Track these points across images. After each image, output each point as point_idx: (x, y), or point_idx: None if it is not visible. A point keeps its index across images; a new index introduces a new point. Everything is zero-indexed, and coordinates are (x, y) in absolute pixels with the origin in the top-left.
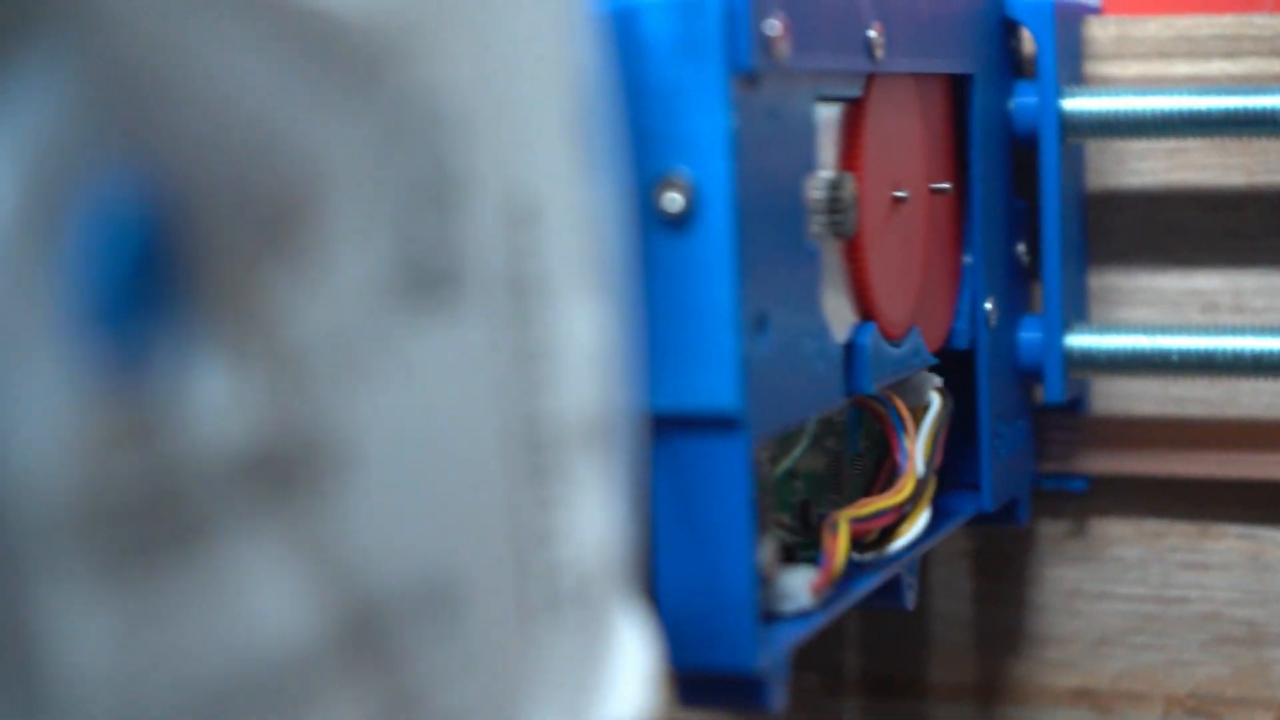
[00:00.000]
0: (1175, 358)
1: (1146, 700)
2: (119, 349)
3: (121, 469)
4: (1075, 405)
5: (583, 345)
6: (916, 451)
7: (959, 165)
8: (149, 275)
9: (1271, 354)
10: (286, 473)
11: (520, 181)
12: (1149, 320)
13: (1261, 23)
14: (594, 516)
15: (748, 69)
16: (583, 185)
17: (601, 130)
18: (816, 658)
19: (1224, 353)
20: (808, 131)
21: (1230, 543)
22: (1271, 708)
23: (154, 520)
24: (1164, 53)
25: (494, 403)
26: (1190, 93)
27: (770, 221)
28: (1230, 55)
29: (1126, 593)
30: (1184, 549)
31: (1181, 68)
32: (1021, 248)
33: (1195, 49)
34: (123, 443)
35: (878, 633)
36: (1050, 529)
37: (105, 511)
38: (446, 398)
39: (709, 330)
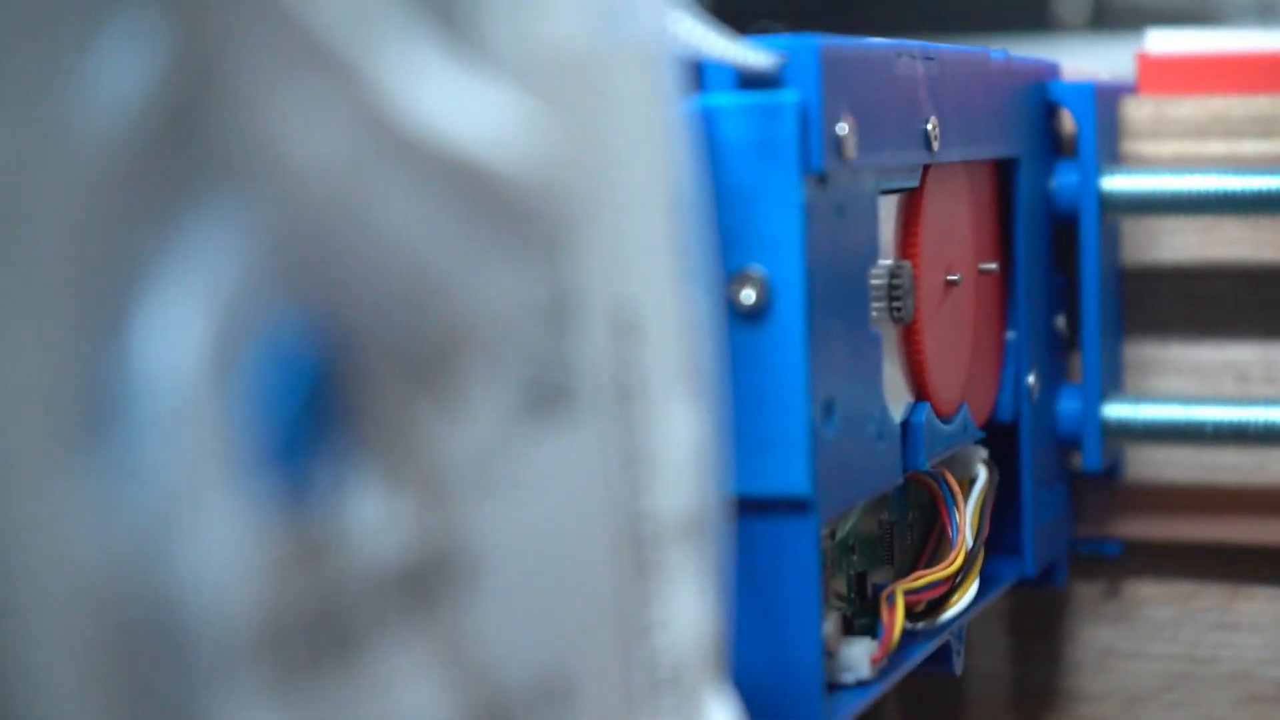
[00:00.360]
0: (1209, 428)
1: None
2: (290, 480)
3: (293, 590)
4: (1111, 471)
5: (680, 446)
6: (966, 524)
7: (1004, 244)
8: (316, 412)
9: None
10: (429, 583)
11: (625, 293)
12: (1184, 390)
13: None
14: (688, 605)
15: (819, 170)
16: (679, 292)
17: (694, 235)
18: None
19: (1256, 424)
20: (871, 223)
21: (1260, 604)
22: None
23: (320, 635)
24: (1200, 132)
25: (603, 505)
26: (1224, 172)
27: (837, 311)
28: (1265, 135)
29: (1159, 652)
30: (1215, 610)
31: (1216, 147)
32: (1061, 321)
33: (1230, 129)
34: (294, 566)
35: (918, 690)
36: (1085, 590)
37: (279, 631)
38: (562, 503)
39: (782, 417)
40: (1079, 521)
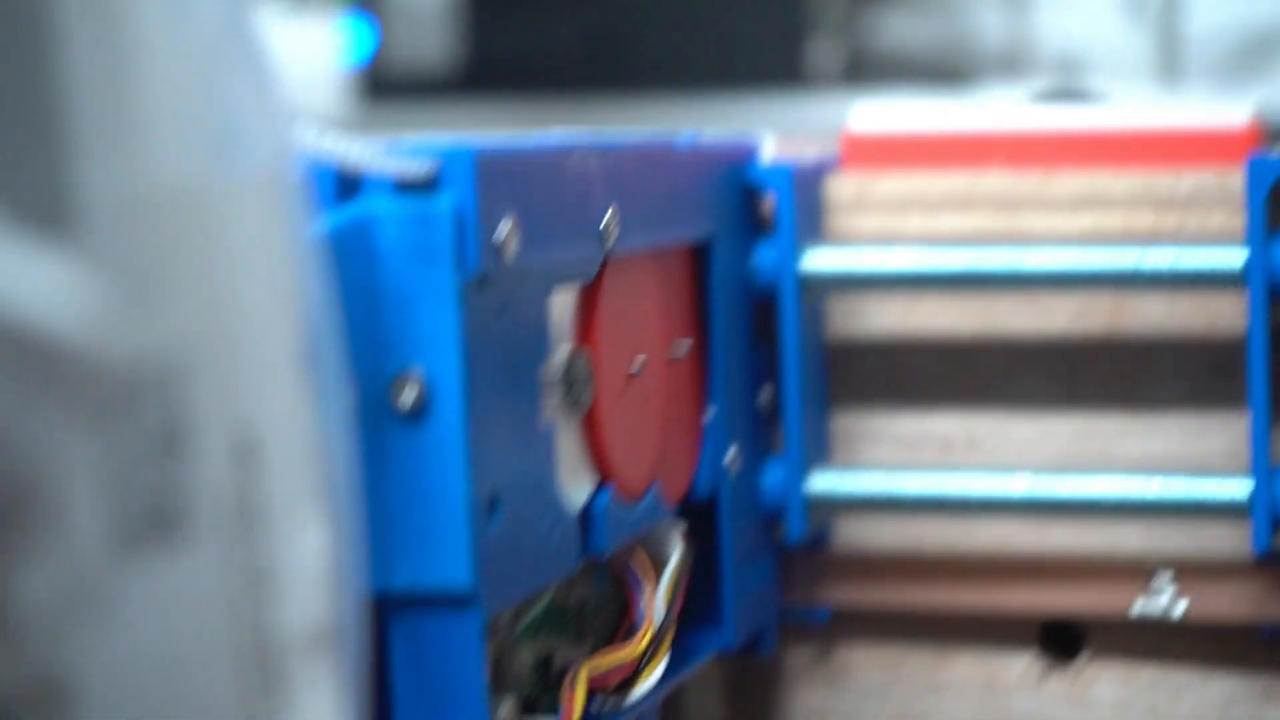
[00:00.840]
0: (910, 500)
1: None
2: None
3: None
4: (819, 540)
5: (308, 560)
6: (656, 602)
7: (702, 323)
8: None
9: (1001, 497)
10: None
11: (245, 418)
12: (888, 460)
13: (990, 182)
14: (323, 714)
15: (477, 272)
16: (306, 411)
17: (328, 351)
18: None
19: (956, 495)
20: (540, 319)
21: (967, 667)
22: None
23: None
24: (900, 208)
25: (225, 623)
26: (922, 248)
27: (503, 407)
28: (961, 210)
29: (871, 715)
30: (923, 674)
31: (916, 223)
32: (765, 395)
33: (928, 205)
34: None
35: None
36: (796, 657)
37: None
38: (177, 625)
39: (443, 515)
40: (788, 589)
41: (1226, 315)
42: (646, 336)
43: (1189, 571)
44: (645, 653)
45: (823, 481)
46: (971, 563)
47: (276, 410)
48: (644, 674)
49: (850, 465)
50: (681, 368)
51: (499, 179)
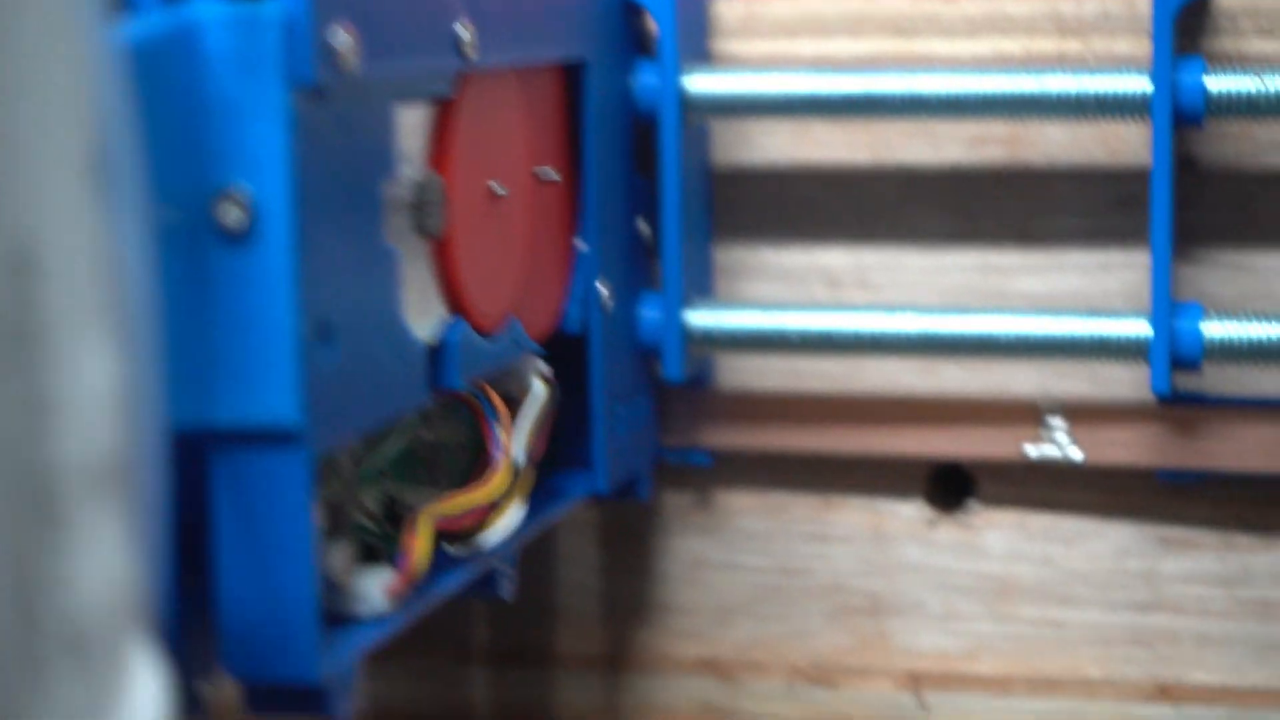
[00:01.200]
0: (795, 337)
1: (769, 669)
2: None
3: None
4: (700, 380)
5: (94, 390)
6: (514, 442)
7: (575, 150)
8: None
9: (891, 334)
10: None
11: (21, 230)
12: (774, 295)
13: (886, 4)
14: (106, 560)
15: (310, 83)
16: (94, 227)
17: (124, 164)
18: (445, 629)
19: (844, 332)
20: (384, 138)
21: (852, 515)
22: (891, 676)
23: None
24: (790, 31)
25: None
26: (812, 72)
27: (339, 230)
28: (854, 35)
29: (751, 564)
30: (807, 521)
31: (807, 46)
32: (643, 225)
33: (821, 28)
34: None
35: (506, 603)
36: (675, 501)
37: None
38: None
39: (268, 344)
40: (667, 432)
41: (1130, 145)
42: (510, 162)
43: (1084, 413)
44: (500, 494)
45: (702, 317)
46: (858, 404)
47: (58, 223)
48: (496, 516)
49: (733, 301)
50: (551, 196)
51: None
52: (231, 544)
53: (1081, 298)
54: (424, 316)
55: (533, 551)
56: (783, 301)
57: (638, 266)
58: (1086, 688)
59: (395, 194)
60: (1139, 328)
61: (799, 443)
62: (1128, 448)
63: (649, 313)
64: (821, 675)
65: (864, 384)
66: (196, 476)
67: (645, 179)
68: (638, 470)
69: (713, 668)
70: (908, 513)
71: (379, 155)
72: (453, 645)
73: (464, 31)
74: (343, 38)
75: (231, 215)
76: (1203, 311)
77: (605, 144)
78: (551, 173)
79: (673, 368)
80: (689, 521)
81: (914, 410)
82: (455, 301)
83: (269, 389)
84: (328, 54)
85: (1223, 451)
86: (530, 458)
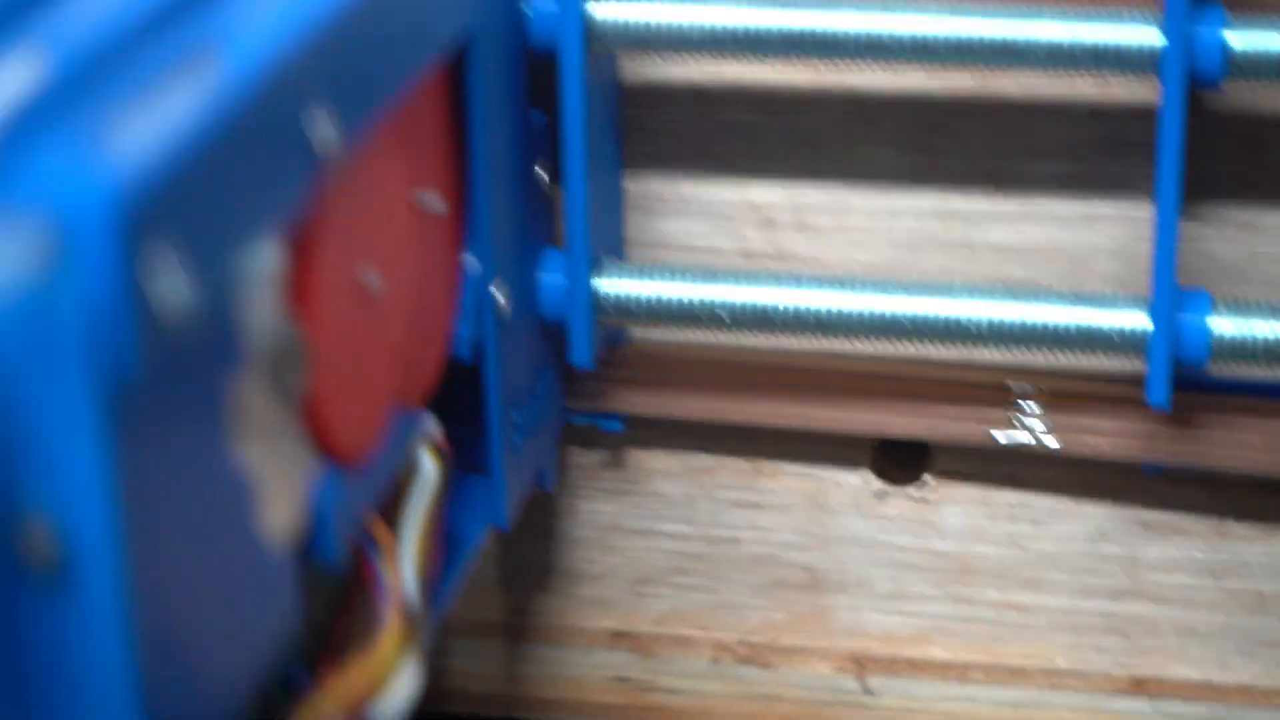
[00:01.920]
0: (725, 312)
1: (693, 645)
2: None
3: None
4: (611, 337)
5: None
6: (403, 569)
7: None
8: None
9: (834, 313)
10: None
11: None
12: (696, 236)
13: None
14: None
15: (128, 370)
16: None
17: None
18: None
19: (783, 310)
20: (225, 370)
21: (787, 482)
22: (831, 657)
23: None
24: None
25: None
26: (746, 3)
27: (173, 511)
28: None
29: (670, 530)
30: (735, 488)
31: None
32: (541, 172)
33: None
34: None
35: None
36: (584, 459)
37: None
38: None
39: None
40: (573, 395)
41: (1120, 80)
42: (385, 214)
43: (1062, 396)
44: (394, 660)
45: (615, 284)
46: (797, 372)
47: None
48: (388, 684)
49: (649, 263)
50: (435, 218)
51: (154, 219)
52: None
53: (1060, 252)
54: (288, 477)
55: None
56: (707, 244)
57: (538, 222)
58: (1052, 678)
59: (246, 349)
60: (1137, 320)
61: (726, 414)
62: (1110, 438)
63: (552, 278)
64: (752, 653)
65: (804, 347)
66: None
67: (543, 114)
68: (541, 466)
69: (629, 641)
70: (853, 482)
71: (220, 368)
72: None
73: (319, 126)
74: (164, 280)
75: (37, 551)
76: (1211, 302)
77: (494, 123)
78: (436, 202)
79: (581, 352)
80: (599, 482)
81: (863, 382)
82: (326, 446)
83: None
84: (147, 320)
85: (1221, 448)
86: (424, 584)
